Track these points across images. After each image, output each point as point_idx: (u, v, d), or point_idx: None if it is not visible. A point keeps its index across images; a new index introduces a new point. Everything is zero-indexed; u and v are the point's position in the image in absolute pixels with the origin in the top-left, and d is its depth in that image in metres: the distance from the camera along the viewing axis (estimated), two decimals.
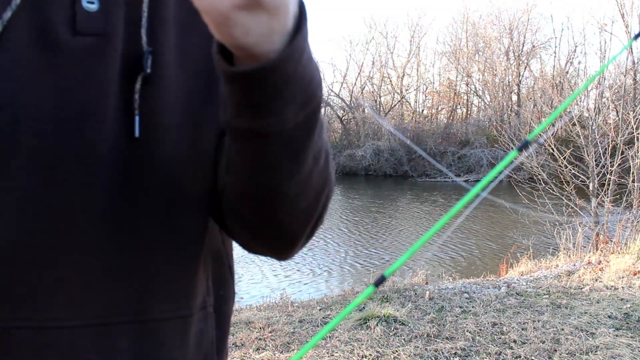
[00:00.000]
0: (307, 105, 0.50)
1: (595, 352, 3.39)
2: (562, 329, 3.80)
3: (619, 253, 6.20)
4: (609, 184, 7.27)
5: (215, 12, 0.42)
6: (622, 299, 4.54)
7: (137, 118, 0.56)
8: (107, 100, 0.55)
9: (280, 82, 0.47)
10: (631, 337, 3.65)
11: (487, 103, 27.07)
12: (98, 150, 0.55)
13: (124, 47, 0.57)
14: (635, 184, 7.10)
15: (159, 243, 0.59)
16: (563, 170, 7.57)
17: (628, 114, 7.61)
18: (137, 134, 0.56)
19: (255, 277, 7.17)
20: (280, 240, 0.62)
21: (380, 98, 27.94)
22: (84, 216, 0.55)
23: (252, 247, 0.65)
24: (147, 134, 0.57)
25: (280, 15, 0.44)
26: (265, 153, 0.52)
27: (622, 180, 7.33)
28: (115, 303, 0.57)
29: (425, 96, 29.30)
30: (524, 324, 3.93)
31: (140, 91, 0.56)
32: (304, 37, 0.47)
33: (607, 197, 7.17)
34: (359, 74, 27.89)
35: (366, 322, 3.86)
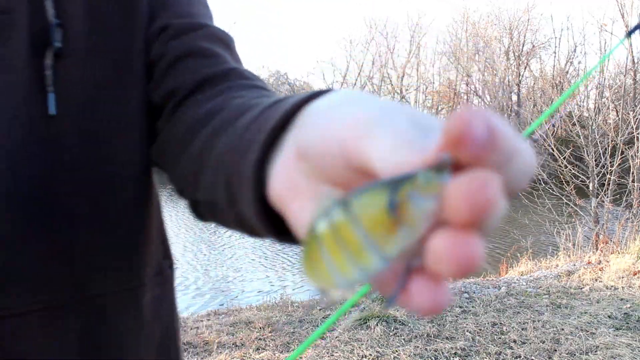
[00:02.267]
0: None
1: (595, 352, 3.39)
2: (562, 329, 3.80)
3: (618, 253, 6.19)
4: (609, 183, 7.27)
5: None
6: (622, 299, 4.54)
7: (51, 95, 0.54)
8: (16, 80, 0.53)
9: None
10: (631, 337, 3.65)
11: (487, 103, 27.07)
12: (13, 132, 0.52)
13: (30, 22, 0.54)
14: (635, 184, 7.10)
15: (93, 218, 0.57)
16: (563, 170, 7.57)
17: (628, 114, 7.61)
18: (52, 111, 0.54)
19: (255, 277, 7.17)
20: None
21: (380, 98, 27.91)
22: (7, 200, 0.52)
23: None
24: (64, 110, 0.54)
25: None
26: None
27: (622, 180, 7.33)
28: (56, 285, 0.55)
29: (425, 96, 29.33)
30: (524, 324, 3.93)
31: (53, 66, 0.54)
32: None
33: (607, 197, 7.17)
34: (359, 74, 27.89)
35: (366, 322, 3.86)
